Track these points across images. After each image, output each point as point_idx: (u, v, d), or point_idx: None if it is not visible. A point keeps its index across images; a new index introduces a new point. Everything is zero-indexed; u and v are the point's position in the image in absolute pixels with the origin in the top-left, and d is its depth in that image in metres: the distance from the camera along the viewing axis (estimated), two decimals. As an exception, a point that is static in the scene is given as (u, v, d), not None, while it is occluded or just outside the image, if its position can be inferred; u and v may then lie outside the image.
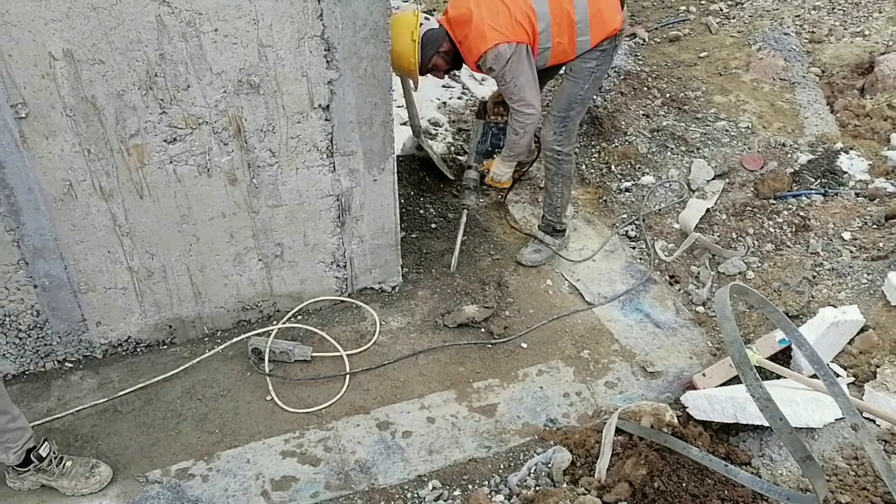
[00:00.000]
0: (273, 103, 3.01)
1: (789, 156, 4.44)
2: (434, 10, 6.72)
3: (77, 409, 3.15)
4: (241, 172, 3.13)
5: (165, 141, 2.93)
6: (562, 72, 3.73)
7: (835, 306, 3.38)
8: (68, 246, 3.02)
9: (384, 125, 3.27)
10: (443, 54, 3.59)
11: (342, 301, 3.72)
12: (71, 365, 3.34)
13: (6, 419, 2.62)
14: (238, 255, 3.35)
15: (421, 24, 3.51)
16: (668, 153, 4.64)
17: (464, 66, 3.76)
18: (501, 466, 3.00)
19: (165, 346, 3.47)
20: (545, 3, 3.39)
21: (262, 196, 3.23)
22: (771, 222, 3.98)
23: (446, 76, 3.91)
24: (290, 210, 3.33)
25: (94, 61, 2.65)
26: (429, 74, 3.74)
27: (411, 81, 3.78)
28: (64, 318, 3.20)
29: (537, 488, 2.83)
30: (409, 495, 2.87)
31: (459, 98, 5.45)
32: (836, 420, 2.88)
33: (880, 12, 5.53)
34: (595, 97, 4.83)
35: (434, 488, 2.88)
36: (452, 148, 4.91)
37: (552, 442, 3.04)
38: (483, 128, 4.11)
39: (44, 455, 2.74)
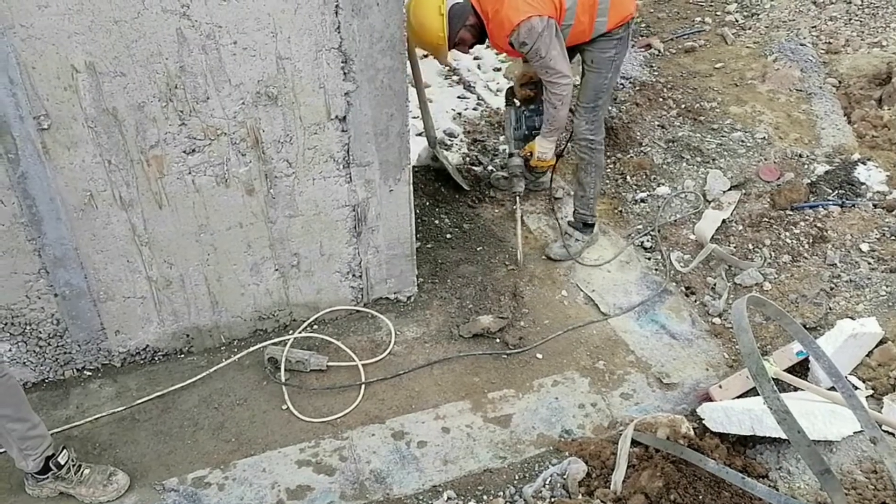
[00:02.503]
0: (290, 114, 3.04)
1: (806, 167, 4.43)
2: None
3: (95, 417, 3.17)
4: (258, 183, 3.16)
5: (184, 152, 2.96)
6: (583, 65, 3.81)
7: (853, 318, 3.35)
8: (88, 255, 3.06)
9: (400, 136, 3.29)
10: (469, 28, 3.69)
11: (358, 311, 3.74)
12: (90, 373, 3.37)
13: (26, 426, 2.65)
14: (255, 264, 3.38)
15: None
16: (684, 164, 4.64)
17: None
18: (516, 477, 2.99)
19: (183, 355, 3.49)
20: None
21: (279, 206, 3.26)
22: (788, 233, 3.96)
23: (471, 50, 3.97)
24: (307, 220, 3.35)
25: (115, 73, 2.70)
26: (455, 50, 3.83)
27: (440, 57, 3.89)
28: (83, 326, 3.23)
29: (553, 499, 2.82)
30: (423, 505, 2.87)
31: (475, 109, 5.46)
32: (855, 433, 2.85)
33: (898, 22, 5.51)
34: (610, 108, 4.85)
35: (449, 499, 2.88)
36: (468, 158, 4.93)
37: (567, 453, 3.04)
38: (515, 113, 4.23)
39: (62, 463, 2.77)
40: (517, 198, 4.20)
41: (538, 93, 4.21)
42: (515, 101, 4.31)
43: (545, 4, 3.45)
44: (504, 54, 5.01)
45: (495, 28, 3.59)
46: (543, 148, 3.95)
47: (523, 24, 3.43)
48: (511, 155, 4.22)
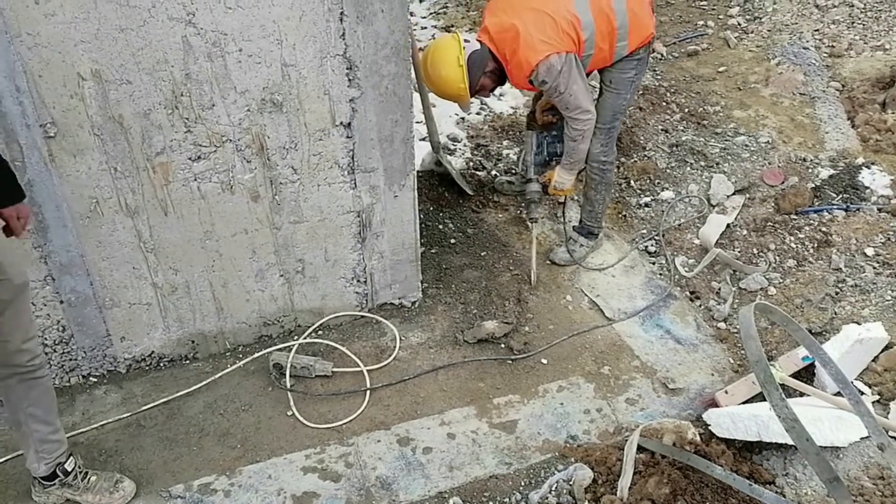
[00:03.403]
0: (295, 121, 3.04)
1: (810, 171, 4.42)
2: (453, 26, 6.77)
3: (101, 423, 3.17)
4: (263, 189, 3.16)
5: (190, 159, 2.97)
6: (601, 85, 3.77)
7: (858, 323, 3.35)
8: (94, 262, 3.06)
9: (405, 142, 3.30)
10: (489, 73, 3.62)
11: (362, 316, 3.74)
12: (95, 379, 3.37)
13: (49, 430, 2.65)
14: (260, 270, 3.38)
15: (463, 47, 3.54)
16: (688, 168, 4.64)
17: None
18: (522, 483, 2.99)
19: (188, 361, 3.49)
20: (589, 12, 3.41)
21: (283, 212, 3.26)
22: (792, 238, 3.95)
23: (492, 93, 3.93)
24: (312, 226, 3.35)
25: (121, 81, 2.70)
26: (476, 95, 3.77)
27: (462, 105, 3.81)
28: (89, 333, 3.24)
29: (559, 506, 2.82)
30: (429, 512, 2.87)
31: (478, 114, 5.47)
32: (862, 439, 2.85)
33: (901, 26, 5.50)
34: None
35: (455, 505, 2.88)
36: (471, 163, 4.93)
37: (573, 459, 3.03)
38: (537, 138, 4.14)
39: (69, 469, 2.77)
40: (534, 224, 4.13)
41: (559, 118, 4.19)
42: (536, 124, 4.23)
43: (562, 40, 3.38)
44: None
45: (514, 70, 3.53)
46: (563, 178, 3.91)
47: (542, 63, 3.38)
48: (529, 181, 4.14)
